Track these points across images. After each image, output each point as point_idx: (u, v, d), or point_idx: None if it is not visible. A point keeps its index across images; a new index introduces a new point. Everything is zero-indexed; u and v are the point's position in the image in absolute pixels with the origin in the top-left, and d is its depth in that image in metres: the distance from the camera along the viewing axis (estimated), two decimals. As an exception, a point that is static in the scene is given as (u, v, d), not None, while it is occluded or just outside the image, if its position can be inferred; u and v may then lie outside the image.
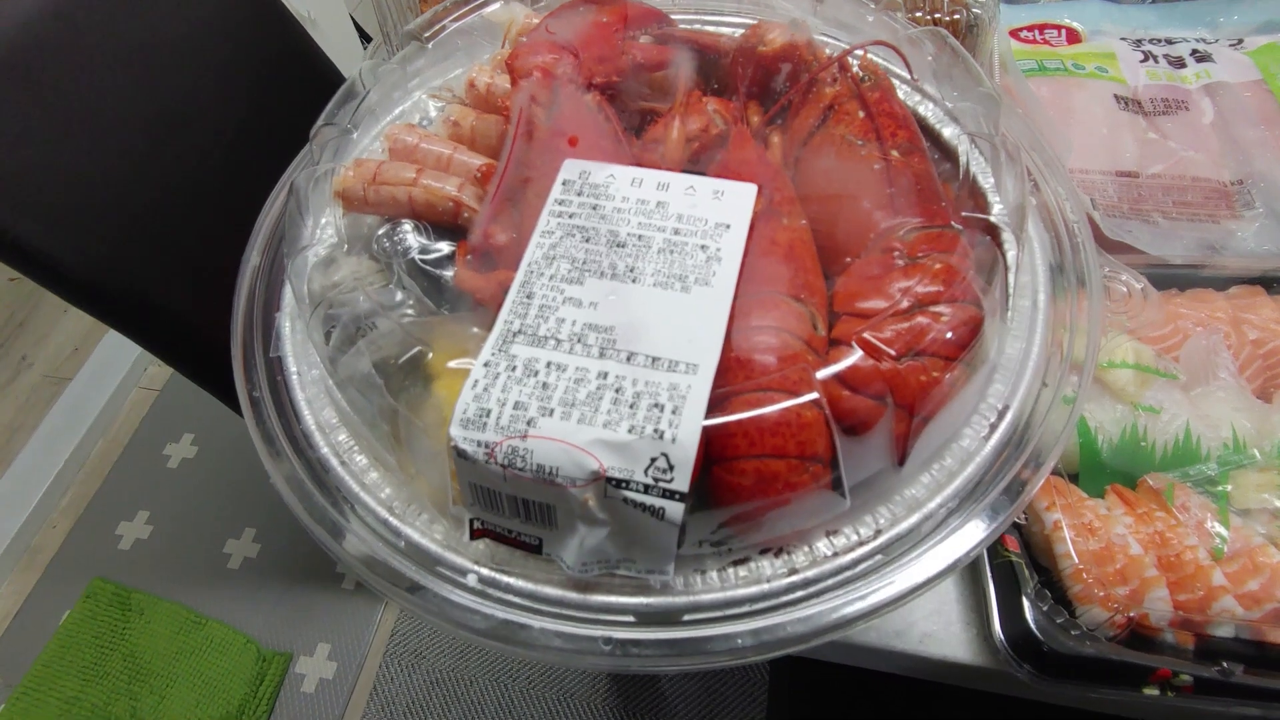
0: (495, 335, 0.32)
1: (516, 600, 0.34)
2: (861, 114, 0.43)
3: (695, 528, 0.32)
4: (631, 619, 0.33)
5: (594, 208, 0.36)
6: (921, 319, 0.35)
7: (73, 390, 1.58)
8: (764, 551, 0.34)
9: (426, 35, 0.48)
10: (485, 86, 0.47)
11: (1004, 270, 0.37)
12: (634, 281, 0.33)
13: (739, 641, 0.32)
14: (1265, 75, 0.67)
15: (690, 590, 0.33)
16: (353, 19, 1.60)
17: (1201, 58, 0.70)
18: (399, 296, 0.38)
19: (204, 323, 0.80)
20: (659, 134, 0.42)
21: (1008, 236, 0.37)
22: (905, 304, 0.35)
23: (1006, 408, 0.37)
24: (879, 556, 0.34)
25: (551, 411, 0.30)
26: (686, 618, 0.33)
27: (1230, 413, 0.51)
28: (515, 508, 0.31)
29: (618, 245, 0.35)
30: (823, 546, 0.34)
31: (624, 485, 0.29)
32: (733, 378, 0.32)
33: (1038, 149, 0.45)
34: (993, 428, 0.37)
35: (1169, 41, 0.72)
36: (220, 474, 1.51)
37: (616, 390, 0.30)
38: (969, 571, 0.50)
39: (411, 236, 0.39)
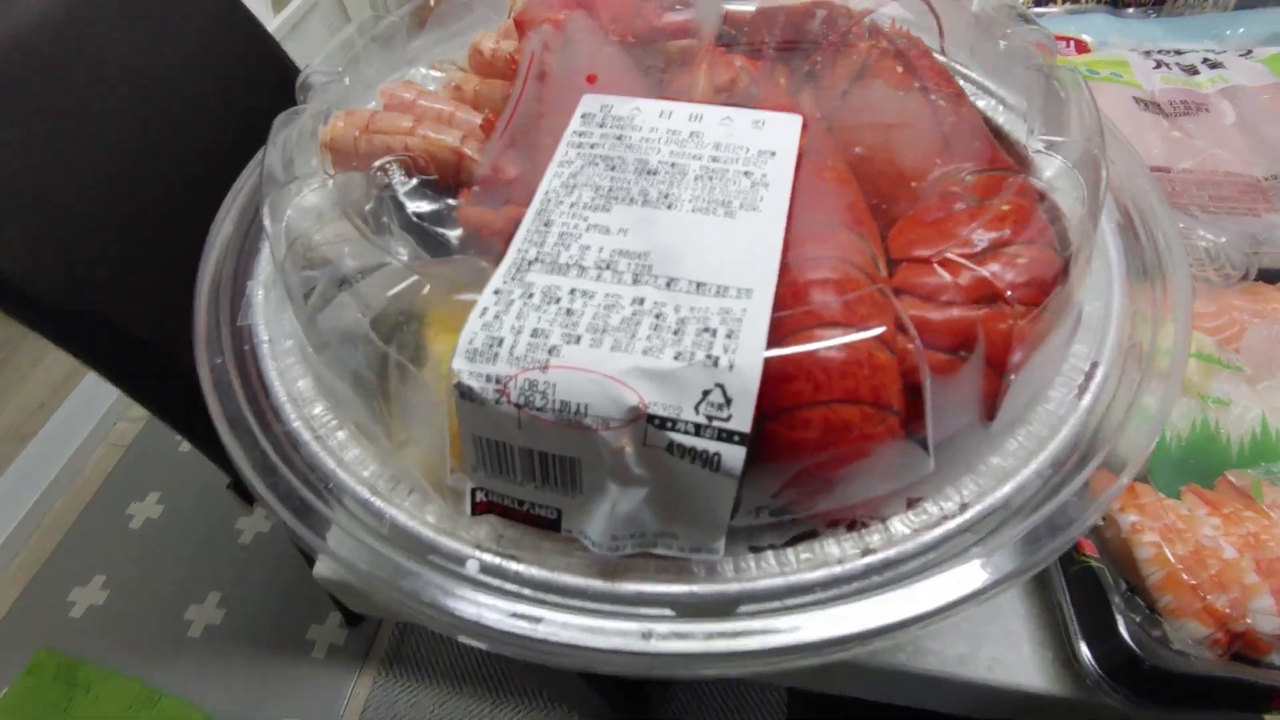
0: (508, 264, 0.27)
1: (527, 592, 0.27)
2: (900, 69, 0.39)
3: (752, 492, 0.26)
4: (670, 611, 0.26)
5: (619, 138, 0.32)
6: (995, 263, 0.30)
7: (34, 447, 1.49)
8: (832, 526, 0.28)
9: (432, 3, 0.45)
10: (490, 51, 0.44)
11: (1080, 214, 0.33)
12: (669, 208, 0.29)
13: (804, 635, 0.26)
14: (1283, 79, 0.66)
15: (743, 575, 0.27)
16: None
17: (1214, 65, 0.69)
18: (392, 249, 0.32)
19: (181, 357, 0.74)
20: (683, 85, 0.38)
21: (1078, 178, 0.33)
22: (976, 247, 0.31)
23: (1095, 365, 0.32)
24: (967, 535, 0.28)
25: (578, 339, 0.24)
26: (741, 609, 0.26)
27: (1306, 405, 0.47)
28: (530, 467, 0.25)
29: (648, 173, 0.30)
30: (900, 523, 0.28)
31: (670, 426, 0.23)
32: (789, 311, 0.27)
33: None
34: (1082, 389, 0.32)
35: (1178, 52, 0.71)
36: (186, 534, 1.41)
37: (657, 316, 0.25)
38: (1035, 583, 0.44)
39: (404, 174, 0.34)
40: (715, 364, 0.23)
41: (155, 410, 0.75)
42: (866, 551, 0.27)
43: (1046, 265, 0.31)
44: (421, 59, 0.48)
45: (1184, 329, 0.32)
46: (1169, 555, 0.39)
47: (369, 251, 0.31)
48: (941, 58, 0.44)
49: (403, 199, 0.36)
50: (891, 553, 0.27)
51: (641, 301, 0.25)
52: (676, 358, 0.24)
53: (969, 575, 0.26)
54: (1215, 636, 0.38)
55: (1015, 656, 0.41)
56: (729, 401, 0.23)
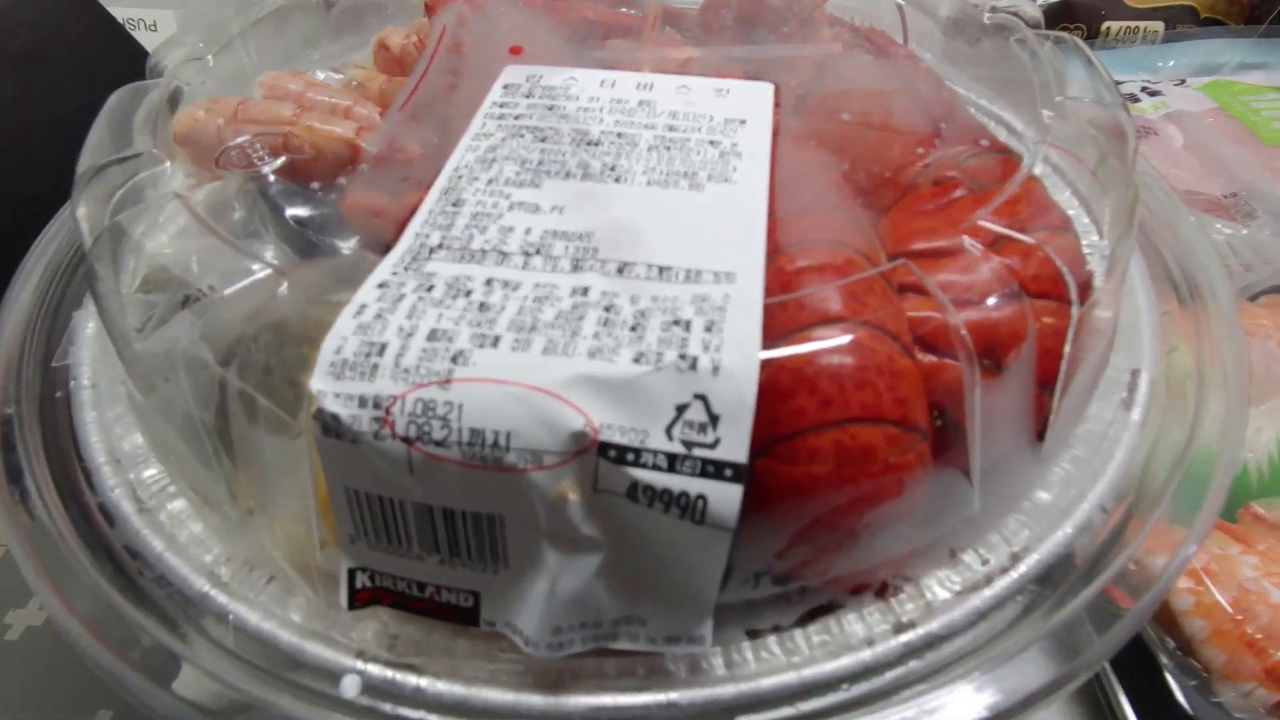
0: (400, 251, 0.20)
1: (431, 718, 0.19)
2: (870, 56, 0.35)
3: (746, 553, 0.19)
4: (642, 733, 0.18)
5: (550, 108, 0.25)
6: (1011, 255, 0.25)
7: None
8: (855, 593, 0.20)
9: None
10: (399, 47, 0.38)
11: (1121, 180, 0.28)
12: (617, 181, 0.22)
13: (836, 759, 0.18)
14: (1222, 104, 0.65)
15: (739, 672, 0.19)
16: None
17: (1153, 93, 0.68)
18: (253, 253, 0.25)
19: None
20: (627, 66, 0.32)
21: (1101, 144, 0.28)
22: (990, 237, 0.25)
23: (1136, 372, 0.27)
24: (1030, 589, 0.21)
25: (496, 340, 0.17)
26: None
27: (1319, 425, 0.43)
28: (431, 532, 0.17)
29: (588, 144, 0.23)
30: (937, 586, 0.21)
31: (632, 459, 0.16)
32: (778, 311, 0.20)
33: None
34: (1128, 401, 0.26)
35: (1117, 83, 0.70)
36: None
37: (606, 309, 0.18)
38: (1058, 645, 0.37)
39: (268, 156, 0.26)
40: (693, 366, 0.16)
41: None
42: (901, 627, 0.20)
43: (1077, 255, 0.25)
44: (319, 64, 0.41)
45: (1233, 325, 0.27)
46: (1222, 602, 0.33)
47: (226, 258, 0.23)
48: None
49: (279, 200, 0.28)
50: (934, 626, 0.20)
51: (585, 291, 0.18)
52: (638, 359, 0.16)
53: (1045, 654, 0.19)
54: (1273, 700, 0.32)
55: (1052, 738, 0.34)
56: (714, 420, 0.16)
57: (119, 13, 1.45)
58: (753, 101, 0.25)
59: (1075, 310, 0.23)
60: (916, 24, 0.40)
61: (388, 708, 0.19)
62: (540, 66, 0.27)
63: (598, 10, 0.38)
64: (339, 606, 0.19)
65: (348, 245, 0.28)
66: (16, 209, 0.66)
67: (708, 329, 0.17)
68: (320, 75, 0.40)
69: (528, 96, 0.26)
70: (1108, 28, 0.75)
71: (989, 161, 0.28)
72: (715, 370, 0.16)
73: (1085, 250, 0.25)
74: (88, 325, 0.29)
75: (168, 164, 0.25)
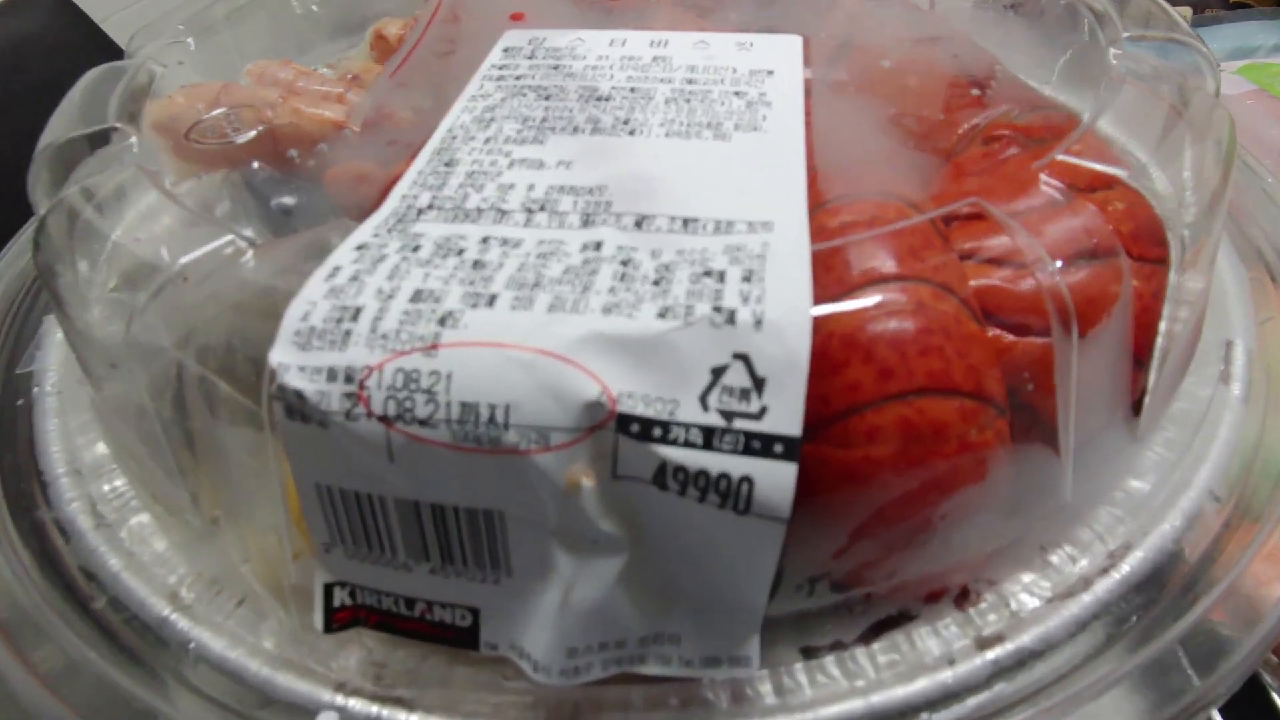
0: (383, 214, 0.17)
1: (428, 764, 0.15)
2: (898, 8, 0.32)
3: (801, 550, 0.15)
4: (679, 779, 0.15)
5: (555, 68, 0.23)
6: (1080, 213, 0.22)
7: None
8: (930, 600, 0.17)
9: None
10: (396, 37, 0.36)
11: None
12: (631, 134, 0.19)
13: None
14: (1262, 85, 0.62)
15: (792, 700, 0.16)
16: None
17: (1188, 79, 0.66)
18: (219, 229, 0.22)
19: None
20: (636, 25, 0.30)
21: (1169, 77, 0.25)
22: (1050, 196, 0.22)
23: (1231, 343, 0.23)
24: (1130, 597, 0.18)
25: (492, 299, 0.14)
26: (796, 762, 0.15)
27: None
28: (419, 535, 0.14)
29: (598, 99, 0.21)
30: (1024, 593, 0.18)
31: (660, 435, 0.13)
32: (822, 272, 0.17)
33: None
34: (1225, 374, 0.23)
35: (1147, 70, 0.68)
36: None
37: (624, 263, 0.15)
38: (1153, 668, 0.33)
39: (250, 131, 0.24)
40: (731, 320, 0.13)
41: None
42: (985, 642, 0.17)
43: (1150, 214, 0.22)
44: (313, 57, 0.39)
45: None
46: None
47: (191, 236, 0.21)
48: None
49: (262, 187, 0.26)
50: (1026, 640, 0.17)
51: (598, 246, 0.15)
52: (663, 315, 0.13)
53: (1167, 677, 0.16)
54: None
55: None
56: (760, 384, 0.13)
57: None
58: (780, 52, 0.23)
59: (1173, 273, 0.20)
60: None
61: (374, 750, 0.16)
62: (543, 30, 0.25)
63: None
64: (315, 628, 0.16)
65: (334, 235, 0.25)
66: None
67: (746, 279, 0.14)
68: (316, 68, 0.38)
69: (530, 58, 0.23)
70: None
71: (1045, 116, 0.26)
72: (758, 324, 0.13)
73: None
74: (57, 331, 0.26)
75: (134, 139, 0.22)
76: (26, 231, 0.30)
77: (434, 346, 0.13)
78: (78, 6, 0.85)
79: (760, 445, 0.13)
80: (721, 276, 0.14)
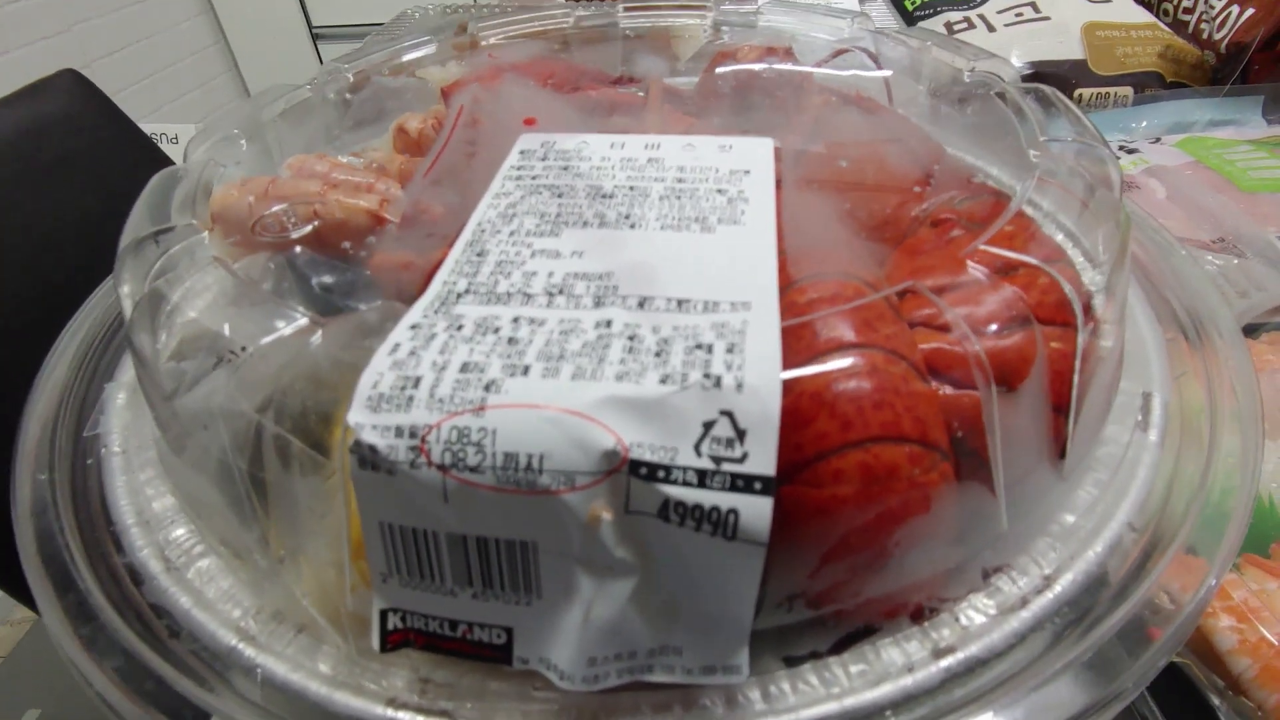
0: (430, 297, 0.21)
1: (468, 764, 0.18)
2: (857, 111, 0.37)
3: (780, 574, 0.19)
4: (683, 772, 0.18)
5: (565, 168, 0.27)
6: (1011, 286, 0.26)
7: (-121, 662, 1.25)
8: (890, 616, 0.20)
9: (352, 78, 0.41)
10: (417, 131, 0.40)
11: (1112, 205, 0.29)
12: (632, 228, 0.23)
13: (886, 790, 0.17)
14: (1198, 157, 0.68)
15: (778, 704, 0.19)
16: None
17: (1131, 151, 0.72)
18: (282, 312, 0.26)
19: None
20: (634, 130, 0.34)
21: (1089, 177, 0.30)
22: (986, 271, 0.26)
23: (1149, 395, 0.27)
24: (1064, 612, 0.21)
25: (526, 369, 0.18)
26: (782, 756, 0.18)
27: (1339, 455, 0.43)
28: (465, 563, 0.18)
29: (603, 197, 0.25)
30: (972, 610, 0.21)
31: (663, 476, 0.16)
32: (793, 340, 0.21)
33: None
34: (1143, 423, 0.26)
35: (1095, 142, 0.74)
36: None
37: (630, 338, 0.18)
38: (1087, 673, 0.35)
39: (302, 225, 0.28)
40: (718, 384, 0.17)
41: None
42: (940, 652, 0.20)
43: (1074, 283, 0.26)
44: (338, 145, 0.44)
45: (1242, 358, 0.27)
46: (1269, 638, 0.32)
47: (253, 318, 0.24)
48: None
49: (305, 270, 0.30)
50: (975, 649, 0.20)
51: (608, 324, 0.19)
52: (664, 380, 0.17)
53: (1079, 679, 0.19)
54: (1340, 740, 0.31)
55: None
56: (742, 435, 0.16)
57: (145, 128, 1.53)
58: (755, 154, 0.27)
59: (1081, 335, 0.24)
60: (901, 92, 0.42)
61: (420, 757, 0.18)
62: (553, 134, 0.29)
63: (601, 90, 0.41)
64: (369, 653, 0.19)
65: (366, 305, 0.29)
66: (47, 306, 0.69)
67: (729, 350, 0.18)
68: (343, 157, 0.42)
69: (543, 159, 0.27)
70: (1079, 95, 0.79)
71: (982, 202, 0.30)
72: (739, 387, 0.17)
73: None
74: (118, 396, 0.29)
75: (205, 234, 0.26)
76: (83, 310, 0.33)
77: (481, 408, 0.17)
78: (94, 86, 0.90)
79: (743, 483, 0.16)
80: (710, 349, 0.18)
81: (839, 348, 0.21)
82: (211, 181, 0.30)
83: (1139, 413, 0.27)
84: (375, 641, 0.19)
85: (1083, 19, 0.81)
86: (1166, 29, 0.82)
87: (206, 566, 0.23)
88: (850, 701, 0.19)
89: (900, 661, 0.20)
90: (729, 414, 0.17)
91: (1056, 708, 0.19)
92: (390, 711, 0.19)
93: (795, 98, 0.38)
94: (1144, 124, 0.77)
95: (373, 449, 0.17)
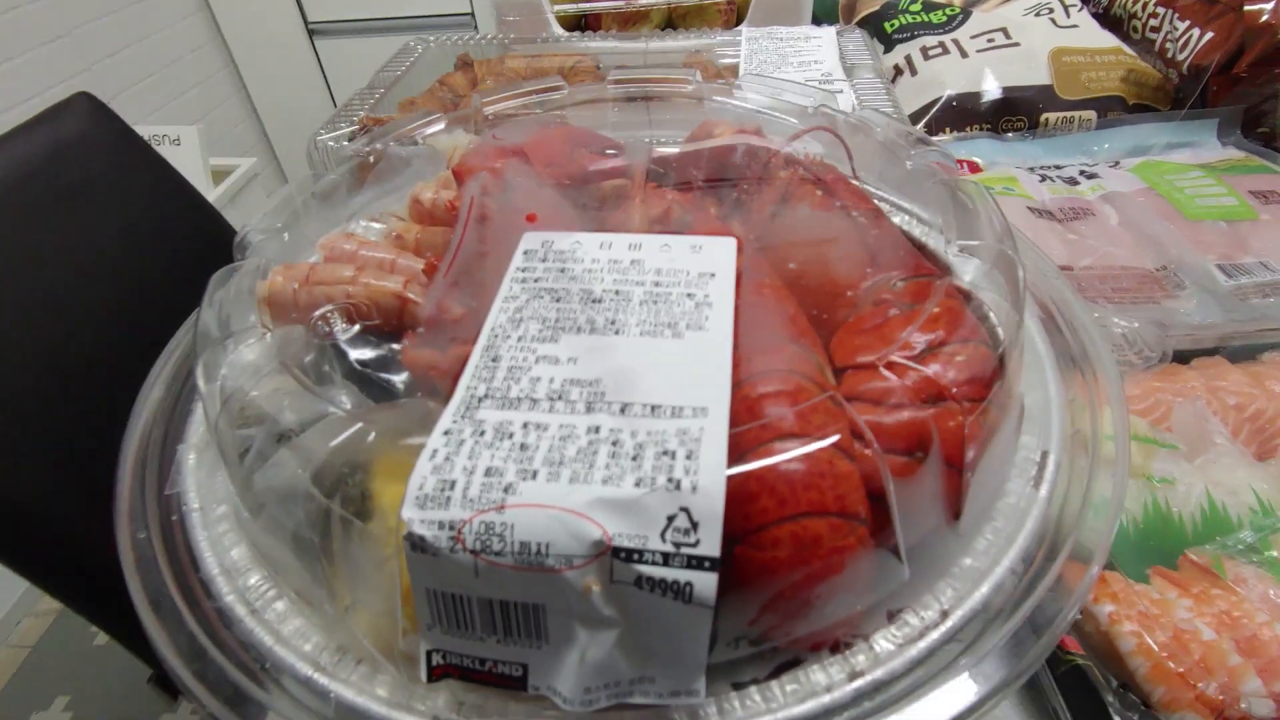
0: (457, 402, 0.26)
1: (495, 766, 0.24)
2: (820, 193, 0.42)
3: (728, 622, 0.25)
4: (656, 770, 0.24)
5: (562, 270, 0.32)
6: (935, 364, 0.31)
7: (-78, 654, 1.32)
8: (815, 650, 0.26)
9: (367, 151, 0.46)
10: (430, 201, 0.45)
11: (1011, 307, 0.35)
12: (617, 334, 0.29)
13: (807, 781, 0.23)
14: (1150, 184, 0.73)
15: (728, 718, 0.25)
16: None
17: (1090, 175, 0.77)
18: (333, 399, 0.31)
19: (94, 537, 0.68)
20: (620, 220, 0.40)
21: (997, 276, 0.35)
22: (916, 349, 0.32)
23: (1045, 455, 0.33)
24: (952, 644, 0.27)
25: (534, 474, 0.23)
26: (731, 757, 0.24)
27: (1244, 476, 0.48)
28: (491, 619, 0.23)
29: (593, 301, 0.30)
30: (883, 640, 0.27)
31: (636, 558, 0.22)
32: (745, 432, 0.27)
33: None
34: (1037, 480, 0.32)
35: (1058, 166, 0.79)
36: (99, 744, 1.25)
37: (614, 443, 0.24)
38: (1028, 689, 0.42)
39: (345, 321, 0.33)
40: (678, 487, 0.23)
41: (67, 600, 0.68)
42: (854, 675, 0.26)
43: (984, 361, 0.32)
44: (361, 213, 0.49)
45: (1121, 412, 0.33)
46: (1151, 644, 0.38)
47: (309, 403, 0.30)
48: (855, 181, 0.48)
49: (345, 347, 0.35)
50: (880, 673, 0.26)
51: (597, 430, 0.25)
52: (638, 484, 0.23)
53: (962, 690, 0.25)
54: (1215, 727, 0.37)
55: (1021, 774, 0.39)
56: (695, 525, 0.22)
57: (146, 130, 1.56)
58: (720, 255, 0.33)
59: (984, 406, 0.30)
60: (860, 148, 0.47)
61: (458, 759, 0.24)
62: (552, 233, 0.34)
63: (593, 159, 0.46)
64: (417, 680, 0.25)
65: (400, 378, 0.35)
66: (69, 325, 0.74)
67: (688, 457, 0.24)
68: (362, 223, 0.48)
69: (544, 261, 0.33)
70: (1046, 118, 0.84)
71: (914, 285, 0.35)
72: (694, 489, 0.23)
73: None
74: (189, 457, 0.35)
75: (266, 335, 0.32)
76: (152, 379, 0.39)
77: (502, 507, 0.23)
78: (109, 109, 0.95)
79: (696, 562, 0.22)
80: (673, 455, 0.24)
81: (780, 438, 0.27)
82: (260, 275, 0.36)
83: (1035, 468, 0.32)
84: (423, 674, 0.25)
85: (1050, 44, 0.85)
86: (1130, 53, 0.86)
87: (281, 609, 0.29)
88: (782, 714, 0.25)
89: (823, 683, 0.26)
90: (686, 510, 0.22)
91: (943, 708, 0.25)
92: (434, 725, 0.25)
93: (763, 174, 0.43)
94: (1105, 146, 0.82)
95: (421, 538, 0.23)
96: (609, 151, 0.47)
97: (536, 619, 0.23)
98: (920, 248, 0.44)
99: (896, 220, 0.46)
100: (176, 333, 0.41)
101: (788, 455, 0.26)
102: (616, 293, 0.31)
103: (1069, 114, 0.83)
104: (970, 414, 0.30)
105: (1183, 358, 0.57)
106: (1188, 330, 0.58)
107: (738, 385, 0.28)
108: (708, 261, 0.32)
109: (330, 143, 0.65)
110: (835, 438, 0.26)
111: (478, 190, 0.38)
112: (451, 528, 0.22)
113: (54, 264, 0.79)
